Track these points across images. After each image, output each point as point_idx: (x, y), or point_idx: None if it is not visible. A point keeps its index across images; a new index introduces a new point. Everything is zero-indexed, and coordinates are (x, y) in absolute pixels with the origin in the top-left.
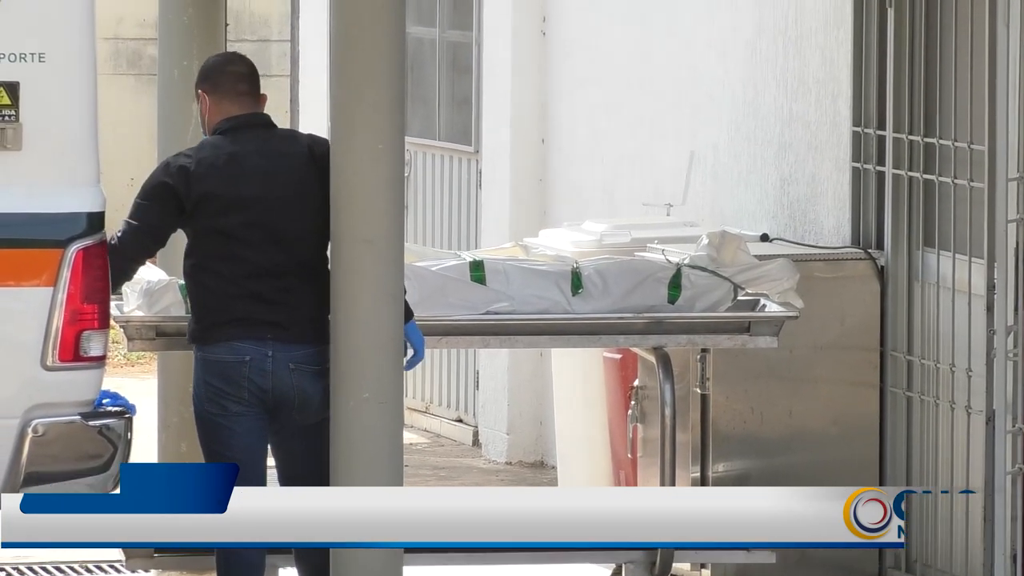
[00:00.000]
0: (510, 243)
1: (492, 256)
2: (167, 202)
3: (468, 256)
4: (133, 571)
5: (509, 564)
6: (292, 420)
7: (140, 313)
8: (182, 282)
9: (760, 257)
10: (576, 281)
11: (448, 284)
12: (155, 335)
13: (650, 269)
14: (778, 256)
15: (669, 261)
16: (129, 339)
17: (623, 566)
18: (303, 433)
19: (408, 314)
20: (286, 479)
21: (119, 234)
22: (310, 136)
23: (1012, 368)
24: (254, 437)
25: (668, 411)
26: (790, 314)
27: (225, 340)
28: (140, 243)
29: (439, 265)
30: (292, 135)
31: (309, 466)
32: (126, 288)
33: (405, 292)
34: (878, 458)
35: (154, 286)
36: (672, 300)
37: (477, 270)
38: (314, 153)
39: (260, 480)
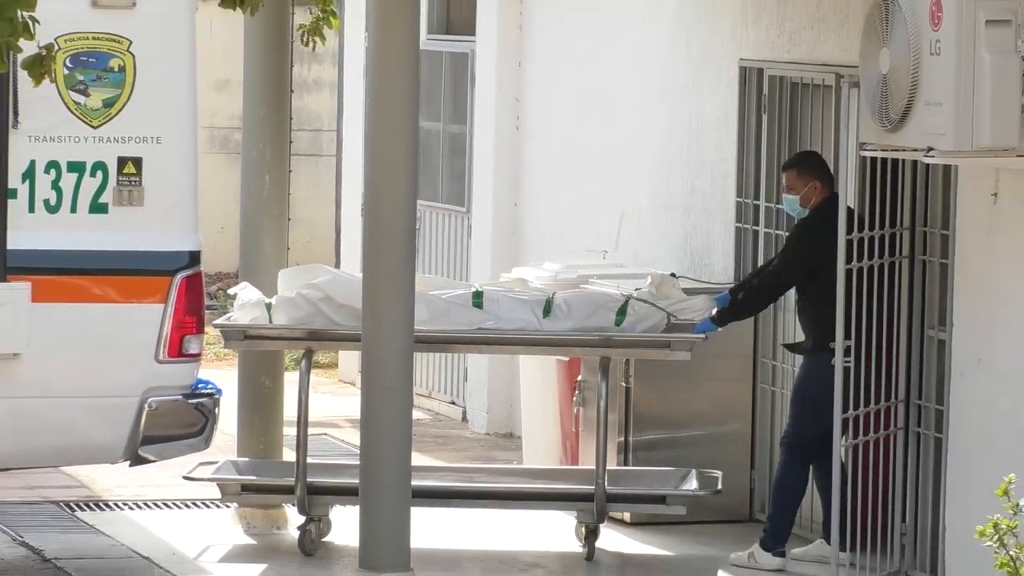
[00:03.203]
0: (513, 276)
1: (491, 287)
2: None
3: (476, 287)
4: (227, 504)
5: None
6: None
7: (235, 321)
8: (268, 300)
9: (687, 292)
10: (547, 307)
11: (452, 308)
12: (243, 337)
13: (604, 300)
14: (699, 293)
15: (622, 295)
16: (226, 340)
17: (578, 513)
18: None
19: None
20: None
21: None
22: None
23: (843, 371)
24: None
25: (602, 403)
26: (698, 337)
27: None
28: None
29: (449, 293)
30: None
31: None
32: (231, 303)
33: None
34: (751, 433)
35: (246, 302)
36: (618, 323)
37: (478, 298)
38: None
39: None
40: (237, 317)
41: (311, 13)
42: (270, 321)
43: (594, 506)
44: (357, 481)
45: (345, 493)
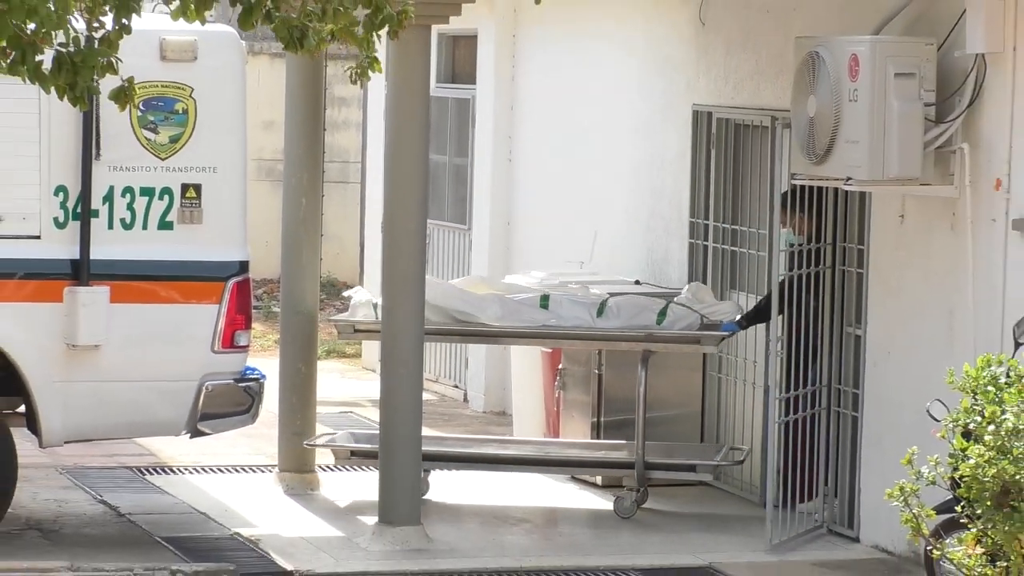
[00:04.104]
0: (577, 284)
1: (556, 291)
2: None
3: (543, 291)
4: (269, 470)
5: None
6: None
7: (346, 318)
8: (376, 301)
9: (717, 297)
10: (601, 308)
11: (522, 308)
12: (354, 331)
13: (648, 303)
14: (727, 300)
15: (663, 299)
16: (339, 333)
17: (623, 479)
18: None
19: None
20: None
21: None
22: None
23: (779, 361)
24: None
25: (641, 388)
26: (724, 334)
27: None
28: None
29: (519, 296)
30: None
31: None
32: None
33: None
34: (700, 413)
35: (357, 302)
36: (659, 323)
37: (544, 300)
38: None
39: None
40: (351, 314)
41: (359, 59)
42: (377, 318)
43: (635, 472)
44: (444, 450)
45: (437, 459)
